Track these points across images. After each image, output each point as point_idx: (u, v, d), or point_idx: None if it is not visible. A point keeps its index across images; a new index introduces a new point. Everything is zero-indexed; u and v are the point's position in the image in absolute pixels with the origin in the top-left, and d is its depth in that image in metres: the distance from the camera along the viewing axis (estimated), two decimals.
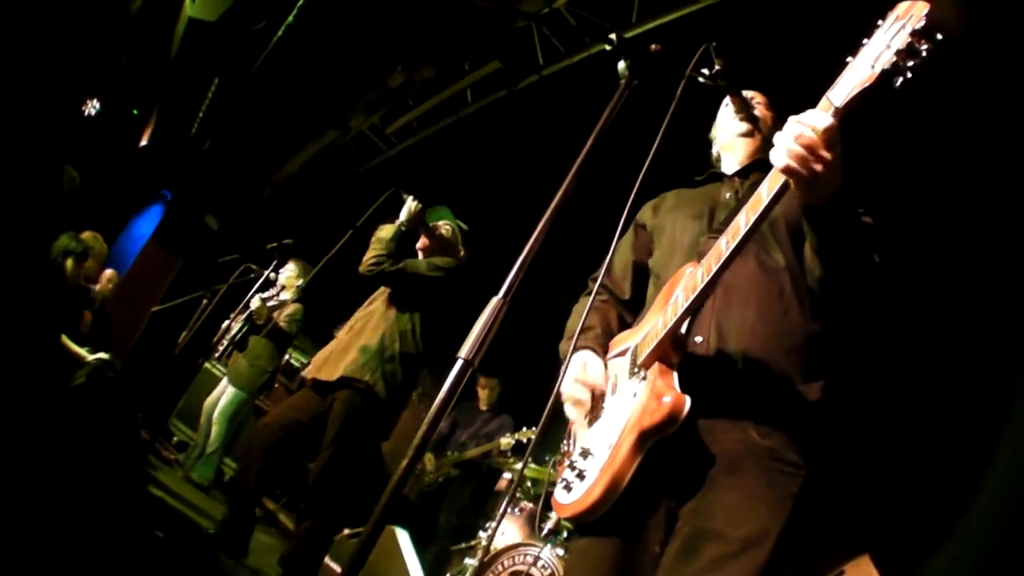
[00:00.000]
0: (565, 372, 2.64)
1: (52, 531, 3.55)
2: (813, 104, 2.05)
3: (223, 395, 8.81)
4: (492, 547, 6.06)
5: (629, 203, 2.49)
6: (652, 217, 3.05)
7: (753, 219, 2.11)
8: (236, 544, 5.40)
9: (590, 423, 2.62)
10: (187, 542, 5.41)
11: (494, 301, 1.93)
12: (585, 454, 2.49)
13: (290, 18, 9.24)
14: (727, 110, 3.04)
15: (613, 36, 2.59)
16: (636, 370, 2.46)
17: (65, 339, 6.04)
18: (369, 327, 5.63)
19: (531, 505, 6.89)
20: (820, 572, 5.44)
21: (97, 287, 9.00)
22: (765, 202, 2.08)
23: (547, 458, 7.81)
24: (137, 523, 4.68)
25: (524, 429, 8.04)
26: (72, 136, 9.95)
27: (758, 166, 2.83)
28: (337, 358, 5.52)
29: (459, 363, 1.85)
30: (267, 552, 6.44)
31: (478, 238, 6.25)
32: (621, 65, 2.53)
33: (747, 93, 2.99)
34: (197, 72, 11.17)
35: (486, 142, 10.28)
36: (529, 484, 7.37)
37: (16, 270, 4.92)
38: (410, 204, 5.73)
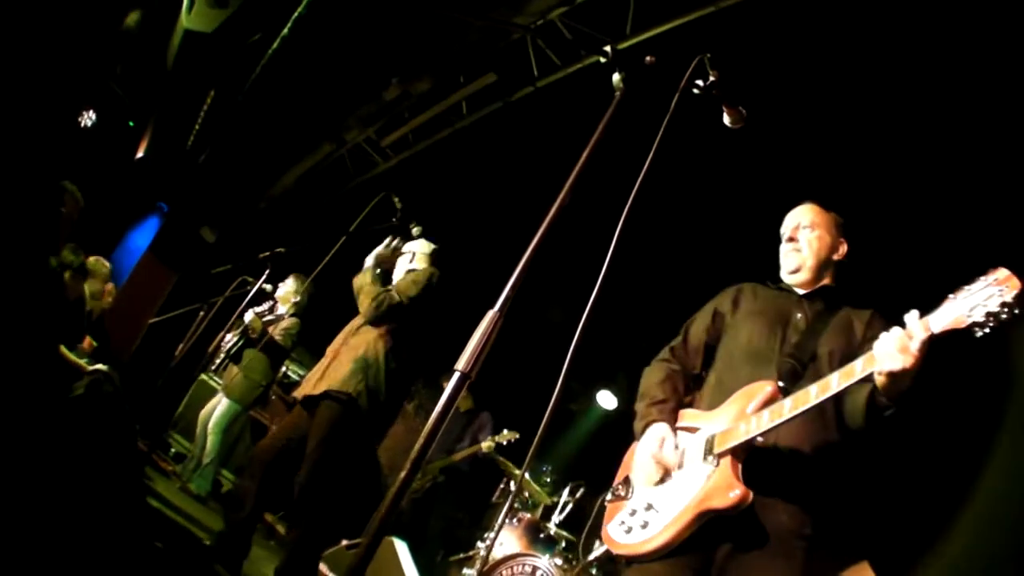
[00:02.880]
0: (641, 440, 3.20)
1: (51, 543, 3.55)
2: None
3: (217, 406, 8.79)
4: (491, 557, 6.07)
5: (624, 213, 2.52)
6: (731, 312, 3.47)
7: (843, 385, 2.60)
8: (230, 562, 5.38)
9: (656, 483, 3.06)
10: (186, 553, 5.40)
11: (490, 314, 1.94)
12: (649, 507, 2.98)
13: (285, 30, 9.23)
14: (784, 248, 3.45)
15: (608, 48, 2.62)
16: (710, 458, 2.90)
17: (63, 350, 6.03)
18: (352, 342, 5.64)
19: (528, 516, 6.90)
20: None
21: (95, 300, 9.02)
22: (857, 376, 2.58)
23: (544, 468, 7.84)
24: (136, 534, 4.67)
25: (505, 432, 8.05)
26: (68, 148, 9.94)
27: (822, 292, 3.33)
28: (323, 374, 5.54)
29: (456, 376, 1.86)
30: (264, 563, 6.44)
31: (473, 251, 6.26)
32: (616, 77, 2.57)
33: (788, 218, 3.49)
34: (193, 84, 11.16)
35: (482, 154, 10.29)
36: (527, 495, 7.38)
37: (16, 280, 4.93)
38: (381, 249, 5.78)
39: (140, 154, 12.65)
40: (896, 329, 2.50)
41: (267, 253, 6.99)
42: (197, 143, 12.47)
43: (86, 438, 4.81)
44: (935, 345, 2.44)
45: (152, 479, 7.24)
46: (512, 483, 8.12)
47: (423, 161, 11.21)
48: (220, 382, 9.40)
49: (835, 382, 2.61)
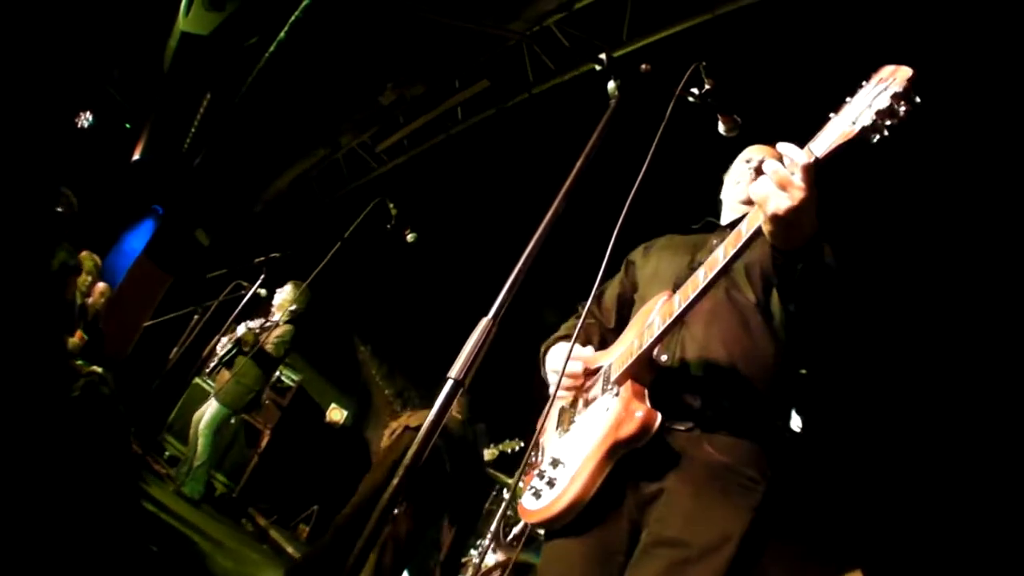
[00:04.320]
0: (545, 366, 2.96)
1: (47, 545, 3.55)
2: (805, 123, 2.10)
3: (208, 409, 8.77)
4: (483, 564, 6.07)
5: (620, 221, 2.52)
6: (642, 256, 3.18)
7: (732, 253, 2.21)
8: None
9: (560, 435, 2.78)
10: (182, 556, 5.40)
11: (483, 322, 1.93)
12: (555, 463, 2.62)
13: (282, 34, 9.24)
14: (739, 168, 3.14)
15: (603, 56, 2.62)
16: (609, 386, 2.61)
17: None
18: None
19: (522, 522, 6.90)
20: None
21: (90, 300, 9.01)
22: (744, 237, 2.17)
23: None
24: (132, 538, 4.67)
25: (507, 441, 8.05)
26: (66, 149, 9.94)
27: None
28: None
29: (449, 383, 1.86)
30: (258, 567, 6.43)
31: (467, 257, 6.29)
32: (611, 85, 2.57)
33: (752, 150, 3.13)
34: (189, 87, 11.16)
35: (476, 160, 10.29)
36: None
37: (16, 282, 4.93)
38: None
39: (136, 156, 12.64)
40: (771, 162, 2.07)
41: (262, 258, 7.00)
42: (193, 146, 12.47)
43: (82, 440, 4.81)
44: (827, 172, 2.03)
45: (147, 482, 7.23)
46: (505, 491, 8.12)
47: (418, 166, 11.21)
48: (213, 385, 9.39)
49: (722, 254, 2.25)
